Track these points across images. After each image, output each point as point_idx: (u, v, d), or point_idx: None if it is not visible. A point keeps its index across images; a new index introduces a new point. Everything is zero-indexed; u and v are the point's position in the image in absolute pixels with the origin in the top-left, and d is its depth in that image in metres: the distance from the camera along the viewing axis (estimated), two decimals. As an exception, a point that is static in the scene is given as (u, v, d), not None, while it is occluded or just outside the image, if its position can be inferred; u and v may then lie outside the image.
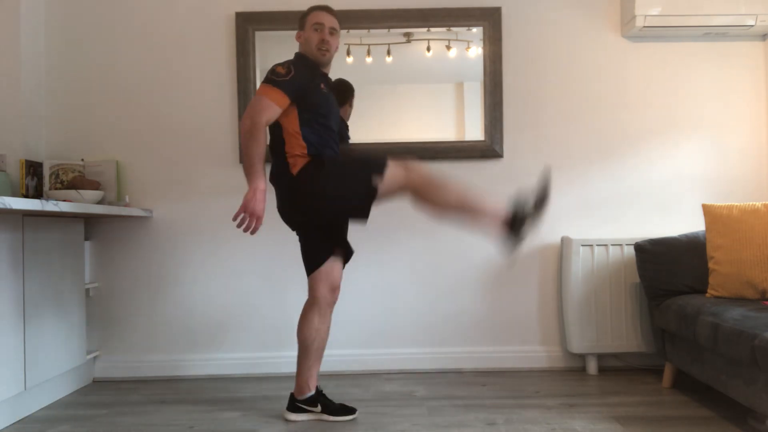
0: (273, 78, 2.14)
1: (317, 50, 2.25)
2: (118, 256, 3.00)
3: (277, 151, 2.24)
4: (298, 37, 2.32)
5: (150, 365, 2.99)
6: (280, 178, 2.23)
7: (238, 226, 2.08)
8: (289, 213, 2.27)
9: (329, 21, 2.27)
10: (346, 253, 2.37)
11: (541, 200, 2.15)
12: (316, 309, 2.28)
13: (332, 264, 2.29)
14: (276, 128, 2.21)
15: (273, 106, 2.11)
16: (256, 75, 3.00)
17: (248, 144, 2.09)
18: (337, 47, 2.32)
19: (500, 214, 2.14)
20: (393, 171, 2.14)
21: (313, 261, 2.29)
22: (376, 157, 2.20)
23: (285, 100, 2.13)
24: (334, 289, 2.30)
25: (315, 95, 2.21)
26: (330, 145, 2.25)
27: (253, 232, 2.09)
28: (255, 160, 2.08)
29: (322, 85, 2.26)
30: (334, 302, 2.32)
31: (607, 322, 2.88)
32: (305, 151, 2.18)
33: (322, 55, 2.26)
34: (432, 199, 2.15)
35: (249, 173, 2.09)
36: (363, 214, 2.19)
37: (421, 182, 2.15)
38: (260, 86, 2.16)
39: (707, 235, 2.55)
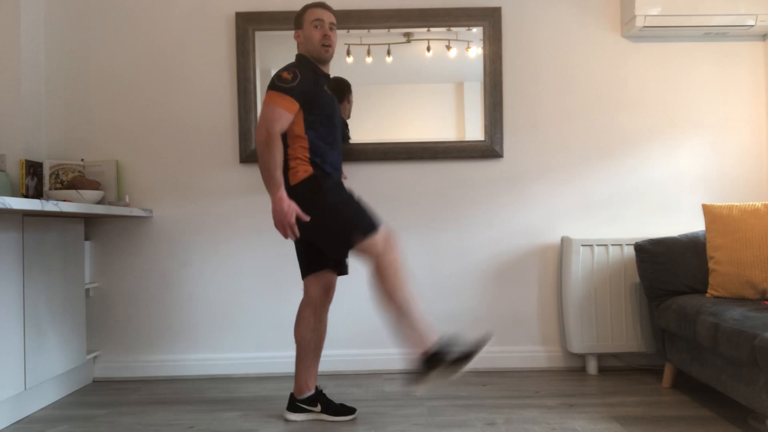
0: (281, 85, 2.12)
1: (321, 47, 2.24)
2: (118, 256, 3.00)
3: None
4: (296, 37, 2.31)
5: (150, 365, 2.99)
6: None
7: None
8: None
9: (328, 16, 2.27)
10: (340, 269, 2.36)
11: (463, 358, 2.04)
12: (311, 309, 2.29)
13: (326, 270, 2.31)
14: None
15: (285, 114, 2.11)
16: (256, 75, 3.01)
17: (266, 155, 2.09)
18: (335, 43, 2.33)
19: (426, 342, 2.08)
20: (375, 240, 2.12)
21: (304, 268, 2.32)
22: (371, 219, 2.16)
23: (295, 107, 2.13)
24: (329, 290, 2.31)
25: (320, 97, 2.21)
26: (334, 145, 2.25)
27: (294, 237, 2.14)
28: (274, 170, 2.09)
29: (325, 87, 2.26)
30: (329, 302, 2.33)
31: (607, 322, 2.88)
32: (307, 155, 2.18)
33: (325, 51, 2.25)
34: (386, 287, 2.11)
35: (270, 183, 2.10)
36: (333, 255, 2.25)
37: (389, 266, 2.11)
38: (268, 94, 2.14)
39: (707, 235, 2.55)
